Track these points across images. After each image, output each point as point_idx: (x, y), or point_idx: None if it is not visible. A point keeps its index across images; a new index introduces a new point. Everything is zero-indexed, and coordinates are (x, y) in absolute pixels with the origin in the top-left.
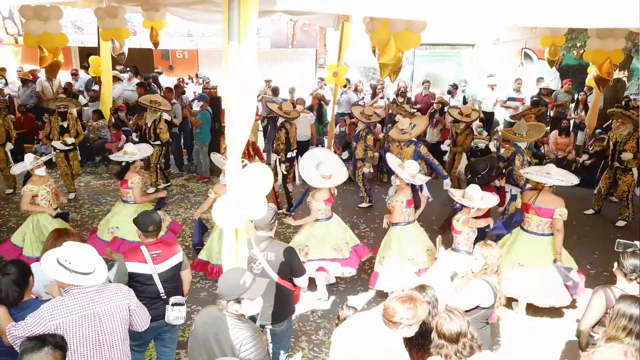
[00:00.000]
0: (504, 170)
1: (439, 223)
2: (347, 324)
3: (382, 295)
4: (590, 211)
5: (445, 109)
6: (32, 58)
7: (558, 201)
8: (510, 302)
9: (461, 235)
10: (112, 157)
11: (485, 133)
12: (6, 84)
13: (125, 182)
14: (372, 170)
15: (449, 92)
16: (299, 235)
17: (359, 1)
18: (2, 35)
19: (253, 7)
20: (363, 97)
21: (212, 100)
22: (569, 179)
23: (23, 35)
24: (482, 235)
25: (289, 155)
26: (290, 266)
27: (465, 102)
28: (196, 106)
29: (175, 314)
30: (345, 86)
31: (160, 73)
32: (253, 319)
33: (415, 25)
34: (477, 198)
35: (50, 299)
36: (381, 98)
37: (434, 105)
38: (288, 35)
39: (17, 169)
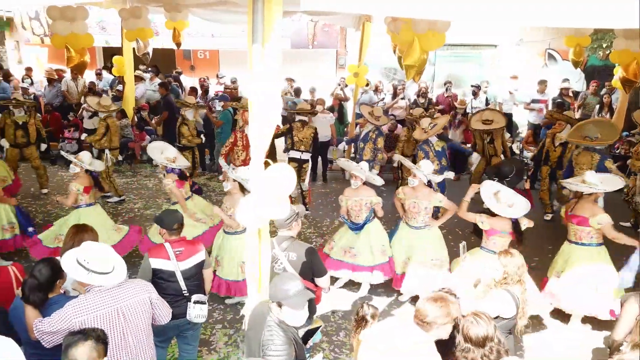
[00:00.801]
0: (529, 173)
1: (461, 226)
2: (374, 329)
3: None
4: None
5: (468, 110)
6: (58, 58)
7: (593, 209)
8: (560, 315)
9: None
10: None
11: (507, 135)
12: (32, 83)
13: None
14: (377, 172)
15: (474, 94)
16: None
17: (382, 1)
18: (28, 35)
19: (277, 9)
20: (383, 98)
21: (232, 100)
22: (612, 184)
23: (50, 35)
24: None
25: (292, 154)
26: (312, 266)
27: (487, 103)
28: (218, 106)
29: (196, 312)
30: (367, 85)
31: (180, 73)
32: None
33: (438, 25)
34: (513, 202)
35: (76, 296)
36: (402, 99)
37: (457, 107)
38: (308, 36)
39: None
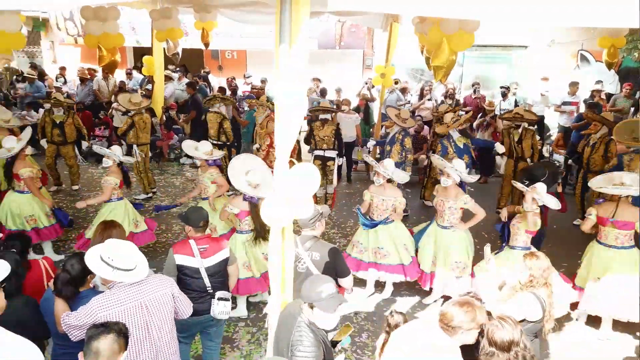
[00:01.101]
0: (561, 176)
1: (487, 229)
2: (400, 330)
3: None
4: None
5: (496, 112)
6: (90, 57)
7: (635, 213)
8: (588, 319)
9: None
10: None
11: (537, 137)
12: (65, 82)
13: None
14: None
15: (503, 95)
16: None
17: (410, 1)
18: (63, 36)
19: (305, 10)
20: (409, 101)
21: (258, 100)
22: None
23: (83, 35)
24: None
25: (317, 153)
26: (335, 267)
27: (516, 105)
28: (246, 106)
29: (220, 309)
30: (396, 83)
31: (208, 73)
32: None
33: (468, 25)
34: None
35: (103, 291)
36: (429, 100)
37: (485, 109)
38: (335, 36)
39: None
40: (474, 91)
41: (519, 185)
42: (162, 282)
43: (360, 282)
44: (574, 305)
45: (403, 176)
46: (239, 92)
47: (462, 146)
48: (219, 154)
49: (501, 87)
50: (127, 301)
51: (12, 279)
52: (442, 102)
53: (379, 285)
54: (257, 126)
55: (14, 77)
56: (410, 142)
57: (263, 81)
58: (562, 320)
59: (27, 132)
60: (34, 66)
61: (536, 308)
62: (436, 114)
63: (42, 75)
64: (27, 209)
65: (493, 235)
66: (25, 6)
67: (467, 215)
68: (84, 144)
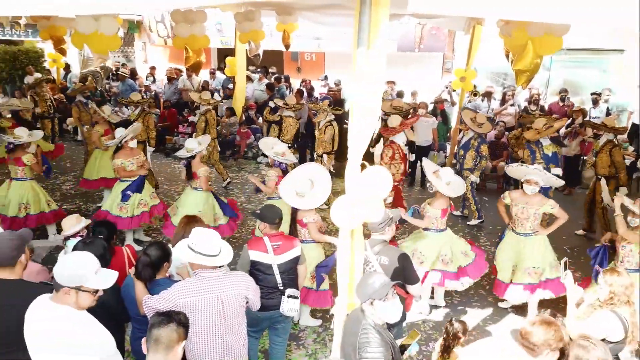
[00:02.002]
0: None
1: (569, 242)
2: (473, 348)
3: (499, 313)
4: None
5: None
6: (178, 58)
7: None
8: None
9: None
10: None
11: (631, 148)
12: (154, 81)
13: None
14: (478, 180)
15: (594, 102)
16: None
17: (496, 4)
18: (154, 37)
19: (384, 12)
20: (489, 106)
21: (335, 102)
22: None
23: (172, 37)
24: None
25: None
26: (404, 273)
27: (608, 113)
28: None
29: (289, 306)
30: (475, 95)
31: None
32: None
33: (556, 28)
34: None
35: (180, 280)
36: (511, 105)
37: (574, 117)
38: (415, 39)
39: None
40: (562, 99)
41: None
42: (240, 281)
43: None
44: None
45: (457, 189)
46: (317, 94)
47: (550, 154)
48: (290, 157)
49: (592, 94)
50: (206, 292)
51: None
52: (525, 108)
53: (447, 294)
54: (317, 131)
55: (109, 75)
56: (487, 149)
57: (337, 84)
58: None
59: (134, 127)
60: (124, 65)
61: (617, 327)
62: (526, 119)
63: (134, 74)
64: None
65: (576, 250)
66: (124, 10)
67: None
68: (149, 149)
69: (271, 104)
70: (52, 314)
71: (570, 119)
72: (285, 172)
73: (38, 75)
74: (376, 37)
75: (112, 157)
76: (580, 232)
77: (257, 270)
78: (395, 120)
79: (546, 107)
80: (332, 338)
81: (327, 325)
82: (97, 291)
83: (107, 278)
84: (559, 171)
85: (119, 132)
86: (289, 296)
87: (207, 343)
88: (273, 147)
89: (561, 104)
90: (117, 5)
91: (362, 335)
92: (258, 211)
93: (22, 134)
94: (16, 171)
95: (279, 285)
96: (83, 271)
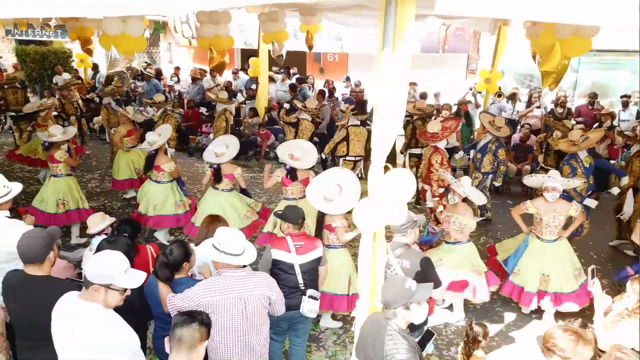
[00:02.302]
0: None
1: (596, 249)
2: (498, 355)
3: (522, 319)
4: None
5: (615, 123)
6: (202, 58)
7: None
8: None
9: None
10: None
11: None
12: (178, 81)
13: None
14: (499, 184)
15: (624, 105)
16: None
17: (526, 5)
18: (179, 38)
19: (410, 13)
20: (514, 107)
21: (358, 103)
22: None
23: (197, 37)
24: None
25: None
26: (426, 277)
27: (638, 116)
28: (343, 107)
29: (310, 307)
30: (500, 96)
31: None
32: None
33: (585, 29)
34: None
35: (202, 279)
36: (537, 107)
37: (602, 118)
38: (439, 40)
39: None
40: (590, 104)
41: None
42: (263, 282)
43: None
44: None
45: (480, 197)
46: (338, 95)
47: (588, 166)
48: (305, 164)
49: (622, 97)
50: (229, 292)
51: None
52: (552, 111)
53: (469, 303)
54: (336, 135)
55: (134, 75)
56: (505, 154)
57: (357, 84)
58: None
59: (167, 129)
60: (149, 65)
61: None
62: (562, 127)
63: (159, 74)
64: (159, 197)
65: (603, 256)
66: (151, 11)
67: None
68: (169, 150)
69: (286, 105)
70: (81, 311)
71: (599, 122)
72: (291, 174)
73: (67, 75)
74: (401, 39)
75: (150, 162)
76: (615, 242)
77: (278, 270)
78: (435, 126)
79: (573, 110)
80: (353, 340)
81: (348, 328)
82: (125, 290)
83: (136, 278)
84: (594, 203)
85: (151, 136)
86: (310, 297)
87: (228, 342)
88: (290, 149)
89: (590, 107)
90: (145, 7)
91: (389, 342)
92: (280, 212)
93: (56, 132)
94: (53, 168)
95: (300, 285)
96: (113, 270)
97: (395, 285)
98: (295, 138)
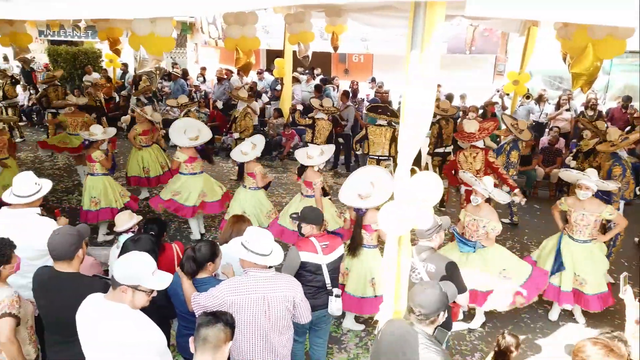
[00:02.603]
0: None
1: (626, 255)
2: None
3: (549, 326)
4: None
5: None
6: (228, 59)
7: None
8: None
9: None
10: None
11: None
12: (204, 81)
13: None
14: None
15: None
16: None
17: (559, 7)
18: (205, 38)
19: (439, 15)
20: (542, 110)
21: (382, 103)
22: None
23: (223, 38)
24: None
25: (439, 150)
26: (451, 281)
27: None
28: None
29: (337, 306)
30: (528, 97)
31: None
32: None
33: (620, 31)
34: None
35: (225, 279)
36: (567, 110)
37: (634, 121)
38: (467, 41)
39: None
40: (624, 107)
41: None
42: (288, 284)
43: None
44: None
45: (504, 197)
46: (363, 96)
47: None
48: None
49: None
50: (254, 292)
51: None
52: (582, 113)
53: (469, 317)
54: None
55: (162, 75)
56: (518, 156)
57: (380, 86)
58: None
59: (207, 132)
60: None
61: None
62: (596, 130)
63: (185, 75)
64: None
65: (634, 263)
66: (180, 13)
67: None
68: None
69: (299, 107)
70: (107, 312)
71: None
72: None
73: (96, 75)
74: (430, 40)
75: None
76: None
77: (306, 271)
78: (472, 126)
79: (604, 113)
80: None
81: (370, 330)
82: (152, 291)
83: (163, 279)
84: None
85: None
86: (337, 296)
87: (251, 342)
88: (307, 152)
89: (624, 110)
90: (174, 8)
91: (423, 351)
92: (296, 214)
93: (96, 131)
94: (90, 167)
95: (327, 285)
96: (141, 271)
97: (434, 295)
98: (312, 138)
